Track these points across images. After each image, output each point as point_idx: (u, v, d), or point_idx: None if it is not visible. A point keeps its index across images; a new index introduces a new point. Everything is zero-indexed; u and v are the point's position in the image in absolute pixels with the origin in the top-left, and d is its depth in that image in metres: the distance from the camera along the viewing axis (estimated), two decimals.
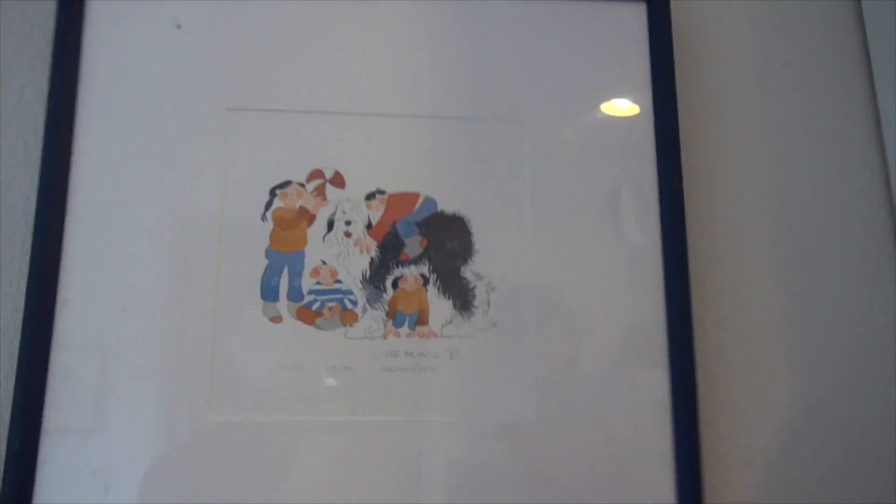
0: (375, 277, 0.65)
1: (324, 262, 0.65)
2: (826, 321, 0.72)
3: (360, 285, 0.65)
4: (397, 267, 0.66)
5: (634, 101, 0.71)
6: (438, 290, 0.66)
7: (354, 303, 0.64)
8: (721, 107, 0.75)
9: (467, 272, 0.66)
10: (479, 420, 0.64)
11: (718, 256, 0.72)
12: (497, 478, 0.63)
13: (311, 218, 0.65)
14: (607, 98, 0.71)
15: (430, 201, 0.67)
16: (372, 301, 0.65)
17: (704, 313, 0.70)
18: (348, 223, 0.66)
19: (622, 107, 0.71)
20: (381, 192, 0.67)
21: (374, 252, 0.66)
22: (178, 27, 0.67)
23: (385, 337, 0.64)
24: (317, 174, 0.66)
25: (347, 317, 0.64)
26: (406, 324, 0.65)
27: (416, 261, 0.66)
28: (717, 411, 0.69)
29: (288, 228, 0.65)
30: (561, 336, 0.66)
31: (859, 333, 0.72)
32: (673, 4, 0.72)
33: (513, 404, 0.65)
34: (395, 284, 0.65)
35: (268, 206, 0.65)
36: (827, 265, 0.73)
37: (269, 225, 0.65)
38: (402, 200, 0.67)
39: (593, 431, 0.65)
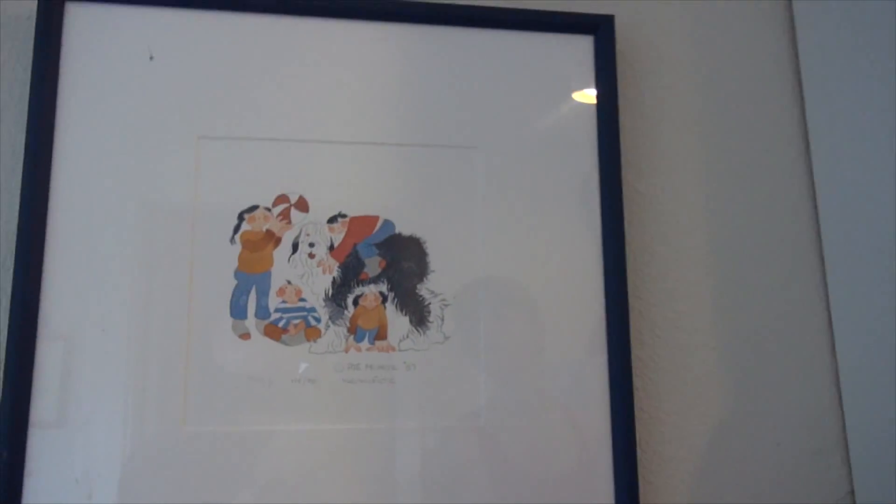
0: (337, 296, 0.69)
1: (289, 282, 0.69)
2: (756, 326, 0.78)
3: (323, 303, 0.69)
4: (358, 286, 0.70)
5: (580, 126, 0.76)
6: (396, 306, 0.70)
7: (318, 319, 0.69)
8: (660, 130, 0.80)
9: (423, 290, 0.71)
10: (434, 426, 0.69)
11: (656, 273, 0.77)
12: (451, 479, 0.68)
13: (277, 240, 0.69)
14: (555, 123, 0.76)
15: (388, 224, 0.71)
16: (334, 318, 0.69)
17: (642, 323, 0.76)
18: (312, 245, 0.70)
19: (569, 131, 0.76)
20: (343, 216, 0.71)
21: (336, 272, 0.70)
22: (151, 59, 0.71)
23: (347, 351, 0.69)
24: (282, 199, 0.70)
25: (311, 333, 0.69)
26: (366, 339, 0.69)
27: (375, 280, 0.70)
28: (653, 413, 0.74)
29: (255, 250, 0.69)
30: (509, 348, 0.71)
31: (787, 337, 0.78)
32: (618, 35, 0.77)
33: (464, 411, 0.70)
34: (355, 302, 0.70)
35: (236, 229, 0.69)
36: (757, 272, 0.79)
37: (238, 247, 0.69)
38: (362, 223, 0.71)
39: (539, 435, 0.70)
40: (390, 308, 0.70)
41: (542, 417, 0.71)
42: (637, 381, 0.74)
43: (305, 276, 0.69)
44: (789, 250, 0.79)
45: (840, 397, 0.77)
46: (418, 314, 0.70)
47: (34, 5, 0.68)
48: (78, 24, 0.69)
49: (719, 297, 0.78)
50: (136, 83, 0.70)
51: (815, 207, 0.80)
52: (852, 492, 0.75)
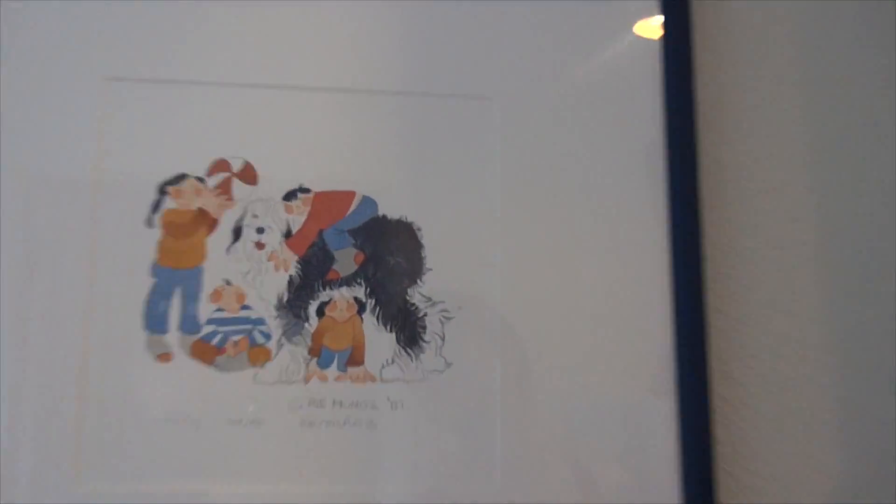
0: (295, 302, 0.59)
1: (228, 283, 0.58)
2: (884, 352, 0.62)
3: (274, 313, 0.59)
4: (324, 289, 0.60)
5: (638, 71, 0.62)
6: (378, 319, 0.59)
7: (267, 336, 0.58)
8: (752, 77, 0.65)
9: (416, 296, 0.60)
10: (429, 494, 0.56)
11: (745, 280, 0.63)
12: None
13: (213, 223, 0.59)
14: (603, 67, 0.63)
15: (368, 202, 0.60)
16: (290, 334, 0.58)
17: (726, 348, 0.61)
18: (261, 231, 0.60)
19: (623, 78, 0.62)
20: (305, 191, 0.60)
21: (293, 269, 0.59)
22: None
23: (307, 381, 0.58)
24: (220, 166, 0.59)
25: (257, 354, 0.58)
26: (335, 363, 0.59)
27: (348, 280, 0.60)
28: (742, 478, 0.59)
29: (181, 237, 0.59)
30: (536, 382, 0.58)
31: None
32: None
33: (472, 473, 0.57)
34: (320, 312, 0.59)
35: (155, 207, 0.59)
36: (887, 278, 0.63)
37: (157, 232, 0.58)
38: (331, 201, 0.60)
39: None
40: (369, 321, 0.59)
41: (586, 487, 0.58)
42: (720, 432, 0.59)
43: (251, 275, 0.59)
44: None
45: None
46: (409, 330, 0.59)
47: None
48: None
49: (835, 312, 0.63)
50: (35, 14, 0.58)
51: None
52: None
